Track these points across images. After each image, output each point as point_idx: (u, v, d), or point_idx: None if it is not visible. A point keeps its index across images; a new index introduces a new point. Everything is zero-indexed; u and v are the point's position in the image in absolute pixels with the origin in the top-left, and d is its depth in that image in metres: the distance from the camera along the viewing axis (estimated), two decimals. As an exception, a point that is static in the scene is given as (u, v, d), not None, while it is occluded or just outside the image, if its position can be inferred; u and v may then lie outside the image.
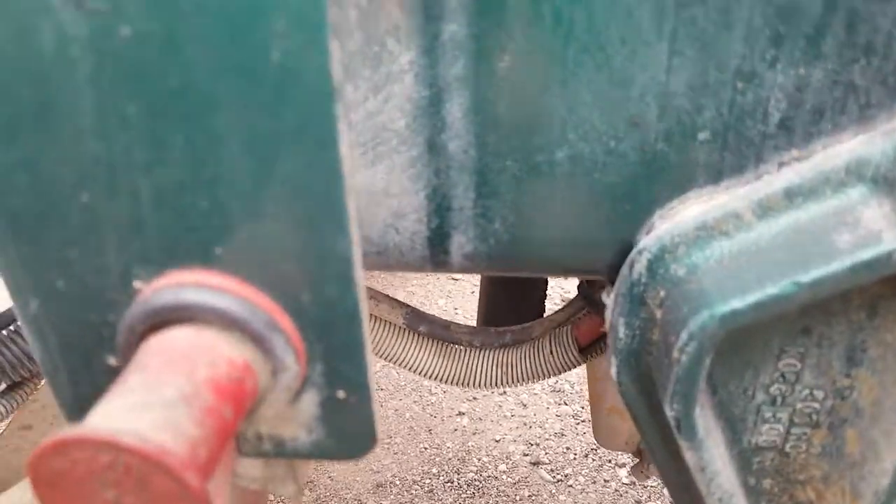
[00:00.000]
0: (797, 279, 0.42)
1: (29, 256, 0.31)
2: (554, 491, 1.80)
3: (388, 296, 0.84)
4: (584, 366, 0.98)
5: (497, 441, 1.97)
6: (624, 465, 1.89)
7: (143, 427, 0.26)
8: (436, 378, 0.87)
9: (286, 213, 0.31)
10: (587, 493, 1.80)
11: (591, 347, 0.83)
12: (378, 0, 0.44)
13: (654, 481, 1.78)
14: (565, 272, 0.56)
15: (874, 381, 0.50)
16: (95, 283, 0.33)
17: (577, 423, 2.01)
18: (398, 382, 2.17)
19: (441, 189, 0.50)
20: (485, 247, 0.52)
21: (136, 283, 0.33)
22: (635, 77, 0.45)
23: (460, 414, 2.06)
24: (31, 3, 0.27)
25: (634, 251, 0.50)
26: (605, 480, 1.84)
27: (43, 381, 0.67)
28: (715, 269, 0.47)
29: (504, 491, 1.81)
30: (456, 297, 2.56)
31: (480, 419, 2.03)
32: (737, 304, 0.44)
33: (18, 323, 0.64)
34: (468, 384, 0.87)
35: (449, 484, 1.82)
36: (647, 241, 0.49)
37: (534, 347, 0.86)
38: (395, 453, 1.93)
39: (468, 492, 1.80)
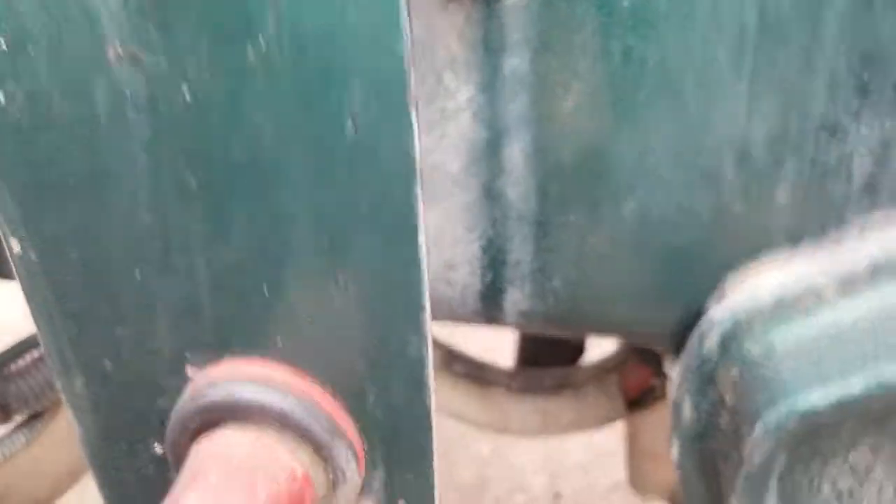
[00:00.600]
0: (884, 378, 0.38)
1: (76, 333, 0.29)
2: (575, 527, 1.75)
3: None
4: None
5: (517, 470, 1.92)
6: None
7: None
8: (471, 422, 0.83)
9: (357, 305, 0.28)
10: (609, 532, 1.74)
11: (639, 401, 0.79)
12: (436, 30, 0.41)
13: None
14: (627, 336, 0.52)
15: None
16: (145, 366, 0.30)
17: (603, 456, 1.95)
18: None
19: (497, 240, 0.46)
20: (542, 305, 0.49)
21: (189, 369, 0.30)
22: (711, 123, 0.42)
23: (478, 440, 2.01)
24: (84, 58, 0.24)
25: (706, 322, 0.46)
26: (628, 520, 1.78)
27: (61, 411, 0.65)
28: (794, 352, 0.42)
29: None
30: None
31: (500, 446, 1.99)
32: (818, 400, 0.40)
33: (41, 350, 0.62)
34: (504, 430, 0.83)
35: (467, 511, 1.78)
36: (720, 313, 0.45)
37: (577, 396, 0.82)
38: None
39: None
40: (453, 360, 0.81)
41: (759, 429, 0.41)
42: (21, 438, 0.62)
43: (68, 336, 0.30)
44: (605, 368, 0.81)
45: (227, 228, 0.27)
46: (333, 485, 0.30)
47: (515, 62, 0.42)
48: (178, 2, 0.24)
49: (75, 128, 0.26)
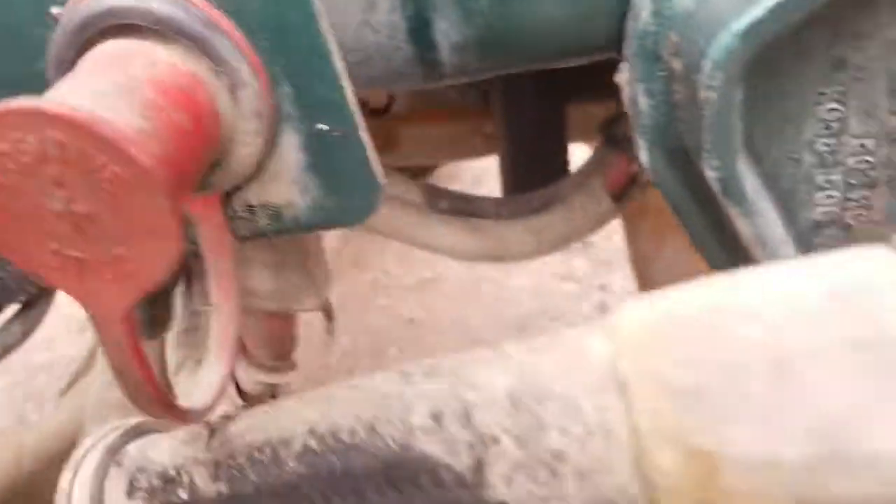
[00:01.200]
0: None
1: None
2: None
3: (400, 173, 0.80)
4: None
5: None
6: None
7: (71, 103, 0.22)
8: (465, 257, 0.83)
9: None
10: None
11: (623, 193, 0.78)
12: None
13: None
14: (568, 54, 0.51)
15: (931, 107, 0.44)
16: (6, 18, 0.29)
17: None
18: (443, 324, 2.15)
19: None
20: (472, 30, 0.47)
21: (54, 9, 0.29)
22: None
23: (510, 345, 2.03)
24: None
25: (634, 2, 0.45)
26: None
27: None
28: (727, -10, 0.41)
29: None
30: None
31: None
32: (756, 12, 0.39)
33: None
34: (501, 258, 0.83)
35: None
36: (650, -14, 0.44)
37: (565, 207, 0.81)
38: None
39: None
40: (438, 198, 0.80)
41: (707, 65, 0.40)
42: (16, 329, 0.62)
43: None
44: (587, 173, 0.80)
45: None
46: (231, 90, 0.29)
47: None
48: None
49: None
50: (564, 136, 0.89)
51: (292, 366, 0.48)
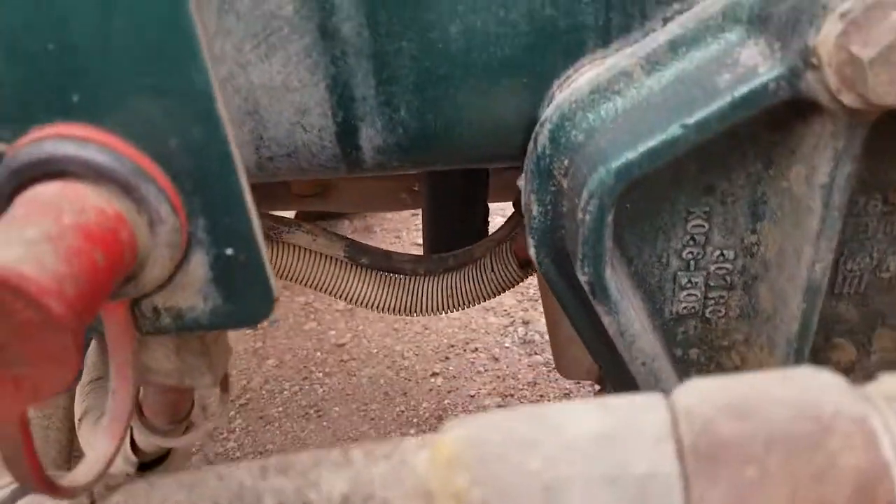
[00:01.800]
0: (683, 122, 0.44)
1: None
2: (530, 437, 1.82)
3: (325, 229, 0.84)
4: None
5: (472, 396, 1.99)
6: (596, 405, 1.92)
7: (1, 257, 0.26)
8: (381, 309, 0.87)
9: (135, 46, 0.31)
10: (562, 435, 1.82)
11: (529, 261, 0.84)
12: None
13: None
14: (481, 160, 0.56)
15: (777, 231, 0.52)
16: None
17: (549, 371, 2.04)
18: (370, 351, 2.18)
19: (341, 77, 0.50)
20: (394, 137, 0.52)
21: (0, 146, 0.32)
22: None
23: (434, 374, 2.07)
24: None
25: (538, 125, 0.51)
26: (579, 422, 1.86)
27: None
28: (611, 128, 0.48)
29: (481, 442, 1.82)
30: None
31: (454, 377, 2.05)
32: (630, 154, 0.45)
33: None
34: (414, 311, 0.88)
35: (427, 441, 1.84)
36: (548, 113, 0.50)
37: (477, 268, 0.87)
38: (372, 419, 1.94)
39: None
40: (359, 254, 0.85)
41: (585, 193, 0.46)
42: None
43: None
44: (498, 239, 0.86)
45: None
46: (151, 226, 0.33)
47: None
48: None
49: None
50: (485, 200, 0.94)
51: (186, 428, 0.51)
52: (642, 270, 0.55)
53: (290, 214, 1.66)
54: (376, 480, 0.32)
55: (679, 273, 0.55)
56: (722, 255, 0.55)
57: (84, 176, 0.31)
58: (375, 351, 2.15)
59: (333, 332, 2.22)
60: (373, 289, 0.85)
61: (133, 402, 0.37)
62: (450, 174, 0.93)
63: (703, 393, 0.28)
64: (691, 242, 0.54)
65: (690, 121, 0.43)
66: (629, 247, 0.54)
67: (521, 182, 0.55)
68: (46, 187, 0.30)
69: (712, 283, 0.56)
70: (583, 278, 0.50)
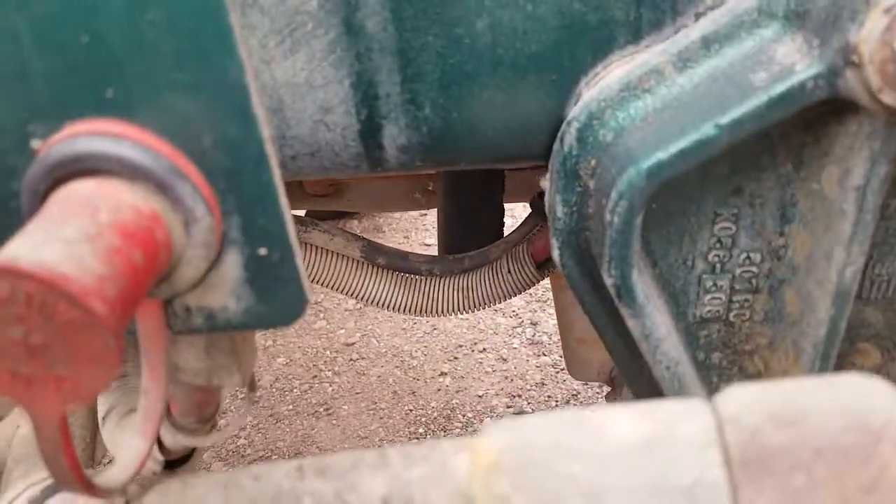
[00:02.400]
0: (717, 121, 0.43)
1: None
2: (539, 438, 1.82)
3: (342, 229, 0.83)
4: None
5: (480, 396, 1.98)
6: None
7: (44, 257, 0.26)
8: (397, 309, 0.87)
9: (169, 40, 0.30)
10: (571, 437, 1.81)
11: (547, 262, 0.84)
12: None
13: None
14: (505, 160, 0.56)
15: (806, 234, 0.51)
16: None
17: (557, 372, 2.03)
18: (379, 350, 2.17)
19: (365, 74, 0.49)
20: (418, 136, 0.52)
21: (34, 143, 0.32)
22: None
23: (442, 374, 2.07)
24: None
25: (564, 124, 0.50)
26: (588, 424, 1.85)
27: None
28: (641, 127, 0.47)
29: (489, 442, 1.82)
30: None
31: (462, 377, 2.04)
32: (661, 155, 0.44)
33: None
34: (430, 312, 0.87)
35: (435, 442, 1.84)
36: (575, 111, 0.50)
37: (492, 269, 0.86)
38: (381, 418, 1.94)
39: (455, 447, 1.81)
40: (376, 254, 0.84)
41: (614, 194, 0.45)
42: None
43: None
44: (515, 240, 0.86)
45: None
46: (186, 225, 0.32)
47: None
48: None
49: None
50: (500, 200, 0.94)
51: (213, 428, 0.51)
52: (667, 273, 0.54)
53: (300, 213, 1.65)
54: (415, 483, 0.31)
55: (704, 276, 0.55)
56: (748, 258, 0.54)
57: (119, 173, 0.31)
58: (384, 350, 2.14)
59: (343, 332, 2.22)
60: (389, 289, 0.84)
61: (165, 399, 0.37)
62: (466, 174, 0.93)
63: (748, 400, 0.27)
64: (718, 245, 0.53)
65: (724, 120, 0.43)
66: (654, 249, 0.53)
67: (545, 182, 0.54)
68: (81, 185, 0.30)
69: (737, 287, 0.55)
70: (609, 281, 0.49)
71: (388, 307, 0.86)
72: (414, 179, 1.03)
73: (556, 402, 1.94)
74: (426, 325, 2.21)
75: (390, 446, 0.35)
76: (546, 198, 0.54)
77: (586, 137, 0.49)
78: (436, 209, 1.04)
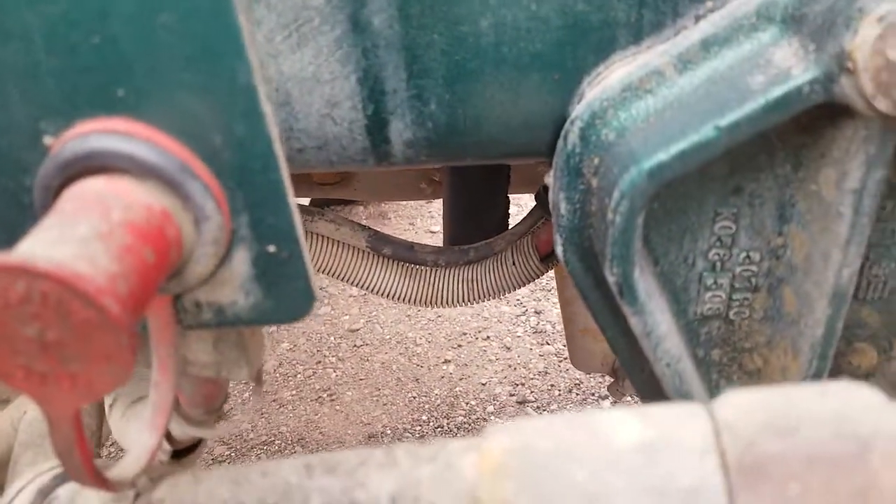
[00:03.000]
0: (716, 124, 0.43)
1: None
2: (540, 426, 1.83)
3: (349, 219, 0.84)
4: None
5: (483, 384, 2.00)
6: (606, 396, 1.92)
7: (58, 256, 0.26)
8: (402, 299, 0.88)
9: (179, 41, 0.31)
10: (573, 426, 1.83)
11: (551, 254, 0.85)
12: None
13: (631, 399, 1.81)
14: (509, 156, 0.56)
15: (804, 235, 0.51)
16: (4, 143, 0.33)
17: (560, 361, 2.04)
18: (383, 336, 2.19)
19: (372, 70, 0.50)
20: (424, 132, 0.52)
21: (47, 140, 0.33)
22: None
23: (446, 362, 2.08)
24: None
25: (567, 122, 0.51)
26: (589, 413, 1.87)
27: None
28: (642, 128, 0.47)
29: (492, 430, 1.84)
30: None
31: (466, 365, 2.06)
32: (662, 156, 0.45)
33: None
34: (435, 303, 0.88)
35: (439, 429, 1.86)
36: (578, 110, 0.50)
37: (497, 261, 0.87)
38: (385, 404, 1.96)
39: (458, 434, 1.84)
40: (382, 244, 0.85)
41: (616, 194, 0.46)
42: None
43: None
44: (519, 232, 0.86)
45: None
46: (196, 223, 0.33)
47: None
48: None
49: None
50: (506, 193, 0.94)
51: (220, 419, 0.52)
52: (668, 271, 0.55)
53: (304, 201, 1.66)
54: (423, 483, 0.32)
55: (705, 274, 0.55)
56: (748, 257, 0.55)
57: (130, 171, 0.32)
58: (388, 337, 2.16)
59: (347, 318, 2.24)
60: (394, 279, 0.85)
61: (175, 392, 0.38)
62: (472, 167, 0.93)
63: (744, 407, 0.28)
64: (718, 244, 0.54)
65: (723, 123, 0.43)
66: (656, 247, 0.54)
67: (549, 179, 0.55)
68: (93, 182, 0.31)
69: (737, 285, 0.56)
70: (611, 279, 0.50)
71: (393, 297, 0.87)
72: (420, 170, 1.04)
73: (559, 391, 1.95)
74: (431, 312, 2.22)
75: (397, 445, 0.36)
76: (550, 194, 0.54)
77: (589, 136, 0.50)
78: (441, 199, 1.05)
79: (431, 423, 1.88)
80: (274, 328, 2.21)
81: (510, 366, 2.05)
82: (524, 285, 0.87)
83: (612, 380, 1.24)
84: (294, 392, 1.99)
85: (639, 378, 0.63)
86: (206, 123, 0.32)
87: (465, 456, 0.33)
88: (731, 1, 0.46)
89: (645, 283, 0.51)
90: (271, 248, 0.36)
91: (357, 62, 0.50)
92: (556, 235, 0.54)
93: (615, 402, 1.81)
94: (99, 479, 0.33)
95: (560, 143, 0.52)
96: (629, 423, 0.30)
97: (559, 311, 2.13)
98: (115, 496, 0.39)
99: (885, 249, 0.54)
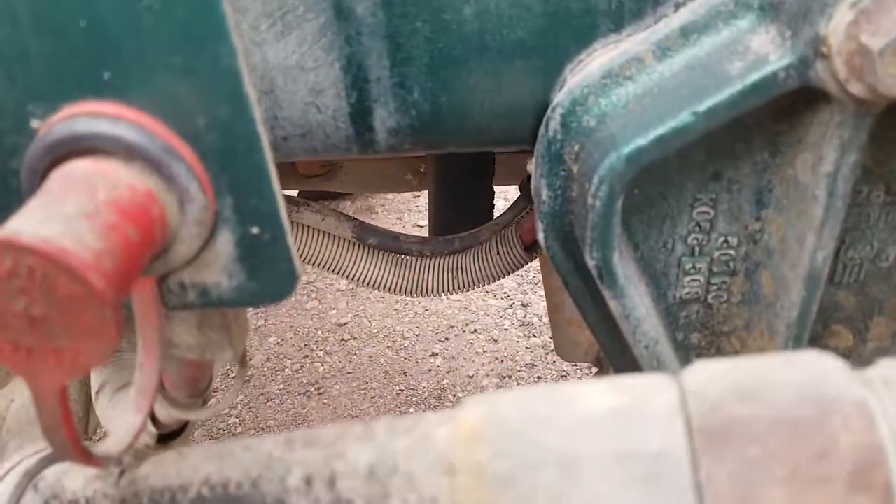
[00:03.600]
0: (694, 109, 0.44)
1: None
2: (527, 418, 1.85)
3: (334, 210, 0.85)
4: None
5: (471, 377, 2.01)
6: (594, 388, 1.94)
7: (45, 233, 0.27)
8: (387, 289, 0.88)
9: (164, 25, 0.31)
10: (559, 417, 1.84)
11: (535, 244, 0.85)
12: None
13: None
14: (492, 144, 0.57)
15: (781, 219, 0.52)
16: None
17: (547, 354, 2.06)
18: (371, 330, 2.19)
19: (355, 58, 0.50)
20: (407, 119, 0.53)
21: (34, 123, 0.33)
22: None
23: (434, 355, 2.09)
24: None
25: (549, 109, 0.52)
26: (576, 404, 1.88)
27: None
28: (622, 114, 0.48)
29: (479, 422, 1.84)
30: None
31: (453, 358, 2.07)
32: (641, 141, 0.45)
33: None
34: (421, 293, 0.89)
35: (425, 420, 1.86)
36: (560, 97, 0.51)
37: (482, 251, 0.88)
38: (372, 398, 1.96)
39: (445, 426, 1.84)
40: (367, 234, 0.86)
41: (596, 179, 0.46)
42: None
43: None
44: (503, 224, 0.87)
45: None
46: (180, 204, 0.34)
47: None
48: None
49: None
50: (490, 183, 0.95)
51: (205, 402, 0.52)
52: (648, 255, 0.56)
53: (291, 193, 1.66)
54: (399, 453, 0.33)
55: (684, 258, 0.56)
56: (726, 241, 0.56)
57: (116, 153, 0.32)
58: (376, 331, 2.17)
59: (335, 312, 2.24)
60: (379, 269, 0.86)
61: (159, 374, 0.38)
62: (456, 157, 0.94)
63: (710, 374, 0.29)
64: (697, 229, 0.55)
65: (701, 108, 0.44)
66: (636, 232, 0.55)
67: (531, 166, 0.55)
68: (80, 164, 0.31)
69: (716, 269, 0.57)
70: (591, 263, 0.50)
71: (378, 287, 0.87)
72: (405, 161, 1.05)
73: (546, 382, 1.97)
74: (418, 305, 2.23)
75: (376, 419, 0.37)
76: (532, 181, 0.55)
77: (570, 123, 0.50)
78: (427, 191, 1.06)
79: (419, 416, 1.89)
80: (261, 322, 2.21)
81: (497, 358, 2.06)
82: (509, 274, 0.88)
83: (597, 370, 1.26)
84: (282, 386, 1.99)
85: (619, 362, 0.64)
86: (191, 106, 0.33)
87: (440, 426, 0.34)
88: (709, -11, 0.47)
89: (624, 267, 0.51)
90: (255, 230, 0.36)
91: (341, 50, 0.50)
92: (538, 222, 0.55)
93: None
94: (84, 455, 0.33)
95: (542, 129, 0.52)
96: (601, 392, 0.31)
97: (546, 303, 2.14)
98: (99, 474, 0.39)
99: (861, 233, 0.55)
